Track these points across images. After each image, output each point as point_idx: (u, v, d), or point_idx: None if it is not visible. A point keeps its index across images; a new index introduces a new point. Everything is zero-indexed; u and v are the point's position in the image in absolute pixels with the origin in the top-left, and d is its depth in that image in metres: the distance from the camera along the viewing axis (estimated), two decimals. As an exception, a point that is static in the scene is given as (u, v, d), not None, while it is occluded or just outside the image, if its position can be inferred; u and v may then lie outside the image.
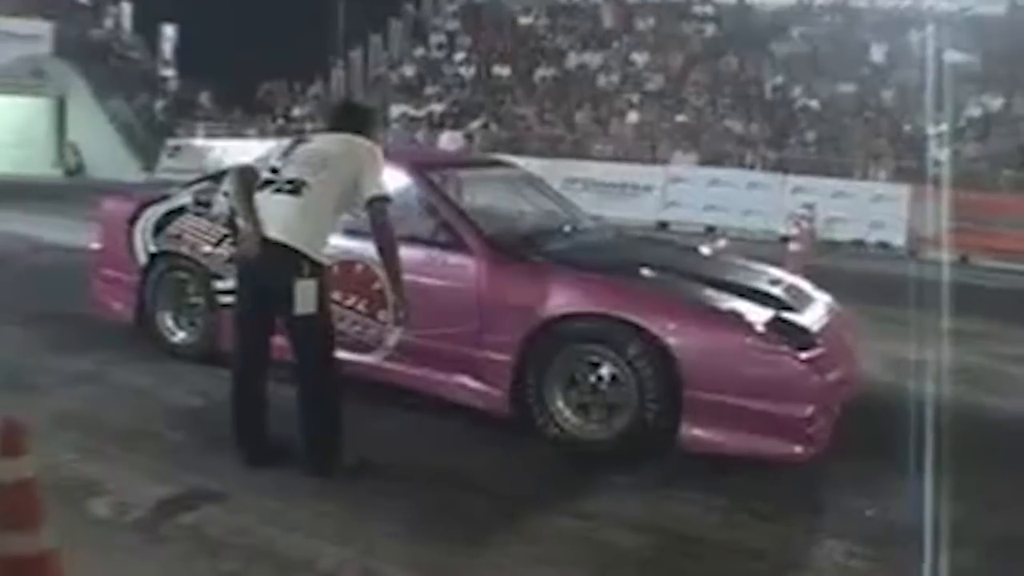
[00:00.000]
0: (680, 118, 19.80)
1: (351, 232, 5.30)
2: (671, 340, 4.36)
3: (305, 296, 4.04)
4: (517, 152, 17.26)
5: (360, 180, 4.14)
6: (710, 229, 15.14)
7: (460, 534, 3.73)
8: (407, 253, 5.04)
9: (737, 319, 4.50)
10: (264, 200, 4.14)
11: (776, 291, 5.11)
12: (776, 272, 5.73)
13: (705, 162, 17.80)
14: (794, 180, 15.75)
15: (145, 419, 4.84)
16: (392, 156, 6.32)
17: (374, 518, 3.81)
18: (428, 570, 3.45)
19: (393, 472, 4.34)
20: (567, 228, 5.87)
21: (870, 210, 14.96)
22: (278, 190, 4.13)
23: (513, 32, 25.49)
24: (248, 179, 4.25)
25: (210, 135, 23.53)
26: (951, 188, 13.19)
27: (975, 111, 16.90)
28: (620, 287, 4.75)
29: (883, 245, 14.72)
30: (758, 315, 4.57)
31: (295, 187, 4.09)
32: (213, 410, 5.11)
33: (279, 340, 5.41)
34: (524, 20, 25.76)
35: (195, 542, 3.54)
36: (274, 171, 4.21)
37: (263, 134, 23.70)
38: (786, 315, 4.68)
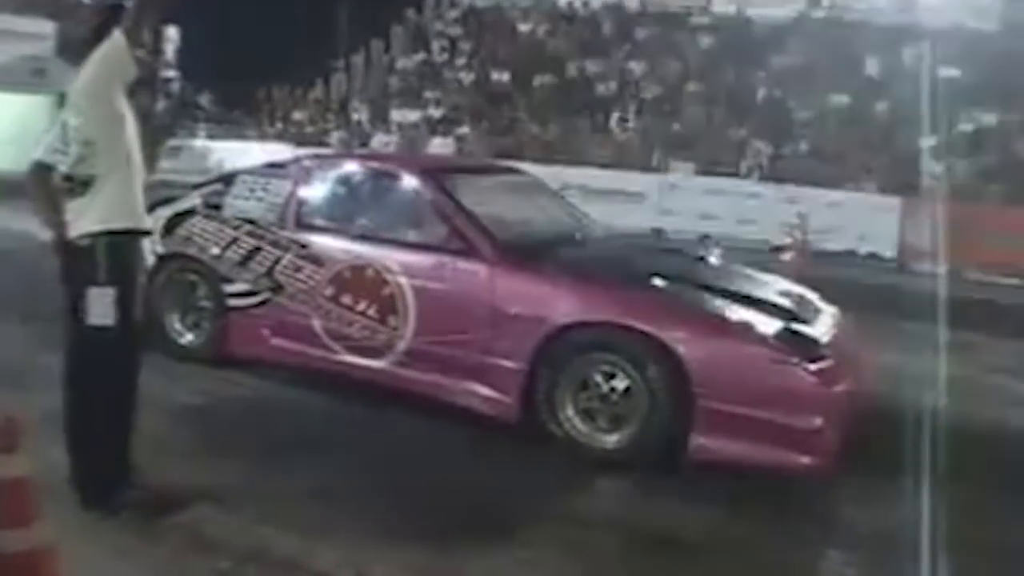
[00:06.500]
0: (677, 127, 19.96)
1: (362, 237, 5.46)
2: (682, 350, 4.40)
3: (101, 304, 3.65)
4: (514, 157, 17.36)
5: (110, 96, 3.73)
6: (704, 238, 15.26)
7: (454, 536, 3.76)
8: (418, 258, 5.18)
9: (748, 330, 4.54)
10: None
11: (785, 302, 5.13)
12: (785, 283, 5.74)
13: (701, 171, 17.94)
14: (788, 190, 15.82)
15: (140, 417, 4.89)
16: (404, 162, 6.37)
17: (368, 519, 3.83)
18: (421, 572, 3.48)
19: (388, 474, 4.38)
20: (578, 236, 5.90)
21: (862, 221, 15.06)
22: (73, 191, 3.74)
23: (513, 38, 25.65)
24: (46, 178, 3.79)
25: (210, 137, 23.58)
26: (945, 202, 13.28)
27: (967, 126, 17.07)
28: (633, 296, 4.78)
29: (873, 256, 14.86)
30: (768, 326, 4.60)
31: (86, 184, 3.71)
32: (210, 409, 5.22)
33: (280, 341, 5.62)
34: (524, 27, 25.91)
35: (190, 541, 3.55)
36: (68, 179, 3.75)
37: (263, 136, 23.85)
38: (796, 326, 4.70)
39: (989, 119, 17.15)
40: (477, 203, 5.45)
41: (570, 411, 4.70)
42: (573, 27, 25.23)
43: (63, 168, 3.72)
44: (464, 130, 21.58)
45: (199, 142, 23.08)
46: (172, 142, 22.95)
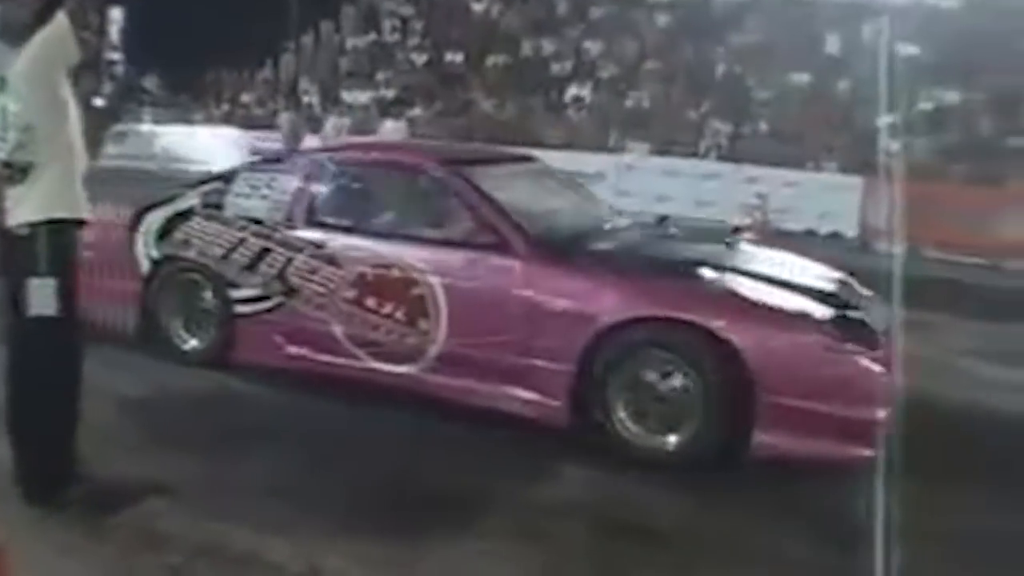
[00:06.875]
0: (631, 104, 19.68)
1: (386, 235, 5.18)
2: (741, 342, 4.19)
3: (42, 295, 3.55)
4: (467, 139, 17.03)
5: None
6: (663, 219, 14.95)
7: (408, 529, 3.67)
8: (445, 256, 4.92)
9: (805, 318, 4.35)
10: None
11: (832, 287, 4.96)
12: (822, 267, 5.53)
13: (658, 151, 17.65)
14: (748, 170, 15.65)
15: (90, 409, 4.69)
16: (421, 152, 6.14)
17: (322, 512, 3.77)
18: (376, 565, 3.41)
19: (342, 467, 4.28)
20: (607, 225, 5.63)
21: (822, 201, 14.99)
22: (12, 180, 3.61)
23: (466, 18, 25.25)
24: None
25: (156, 121, 23.12)
26: (903, 180, 13.10)
27: (927, 104, 16.93)
28: (682, 288, 4.56)
29: (835, 236, 14.70)
30: (823, 313, 4.42)
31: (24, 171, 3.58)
32: (161, 402, 5.11)
33: (296, 349, 5.35)
34: (477, 6, 25.54)
35: (139, 536, 3.49)
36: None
37: (210, 119, 23.36)
38: (851, 313, 4.52)
39: (951, 97, 17.06)
40: (499, 193, 5.15)
41: (623, 413, 4.46)
42: (527, 6, 24.93)
43: (1, 155, 3.60)
44: (416, 111, 21.15)
45: (145, 126, 22.70)
46: (117, 127, 22.42)
